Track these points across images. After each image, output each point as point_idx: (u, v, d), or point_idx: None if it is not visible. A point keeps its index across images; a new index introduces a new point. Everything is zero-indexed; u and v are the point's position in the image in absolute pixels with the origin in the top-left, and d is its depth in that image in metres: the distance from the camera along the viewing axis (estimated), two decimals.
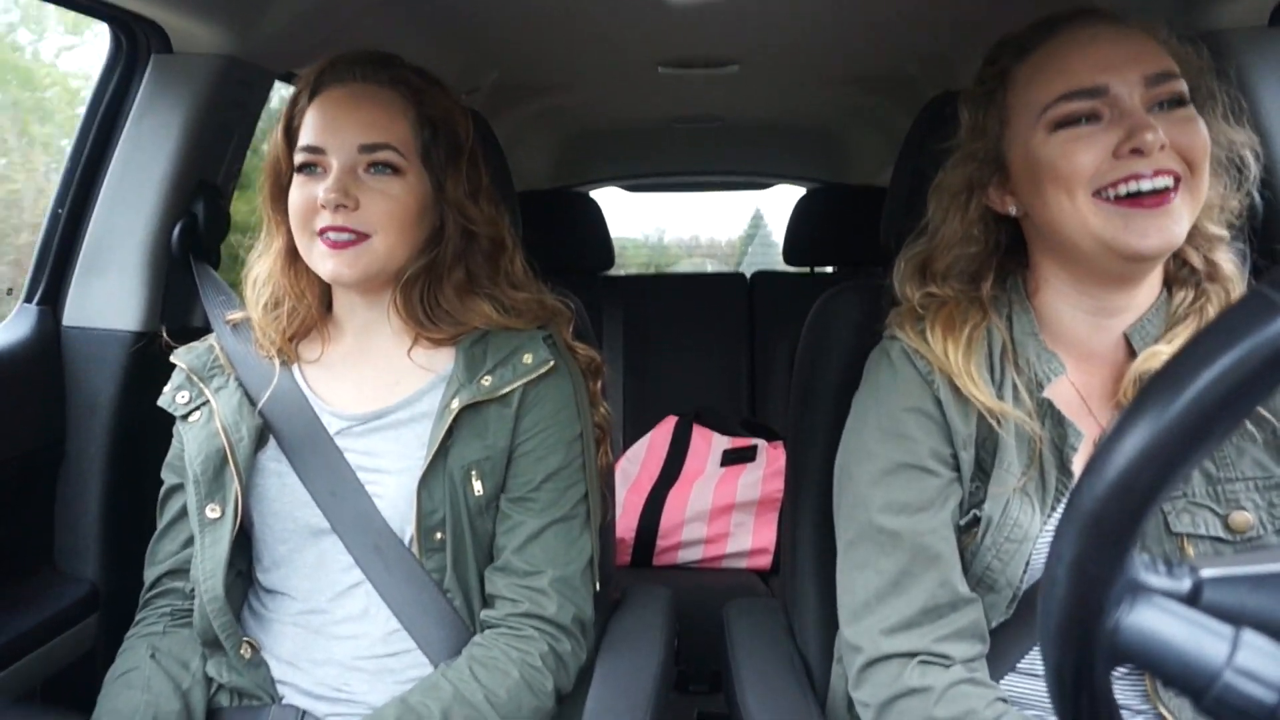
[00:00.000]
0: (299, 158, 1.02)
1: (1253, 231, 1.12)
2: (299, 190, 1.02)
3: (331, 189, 0.98)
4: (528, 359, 1.05)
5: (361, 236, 0.99)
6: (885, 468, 0.94)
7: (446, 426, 1.00)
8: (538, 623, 1.01)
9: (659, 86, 2.16)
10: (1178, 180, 0.84)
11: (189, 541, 1.08)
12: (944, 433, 0.94)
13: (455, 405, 1.01)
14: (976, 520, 0.92)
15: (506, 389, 1.03)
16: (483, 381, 1.03)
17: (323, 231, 0.99)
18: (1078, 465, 0.91)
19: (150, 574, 1.11)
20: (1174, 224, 0.84)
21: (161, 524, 1.11)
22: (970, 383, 0.92)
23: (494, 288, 1.09)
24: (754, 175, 3.49)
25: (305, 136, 1.02)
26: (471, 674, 0.97)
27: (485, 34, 1.78)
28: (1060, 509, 0.91)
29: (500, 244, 1.10)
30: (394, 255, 1.02)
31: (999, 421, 0.92)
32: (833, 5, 1.64)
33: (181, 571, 1.09)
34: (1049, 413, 0.92)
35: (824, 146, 3.03)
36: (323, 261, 1.01)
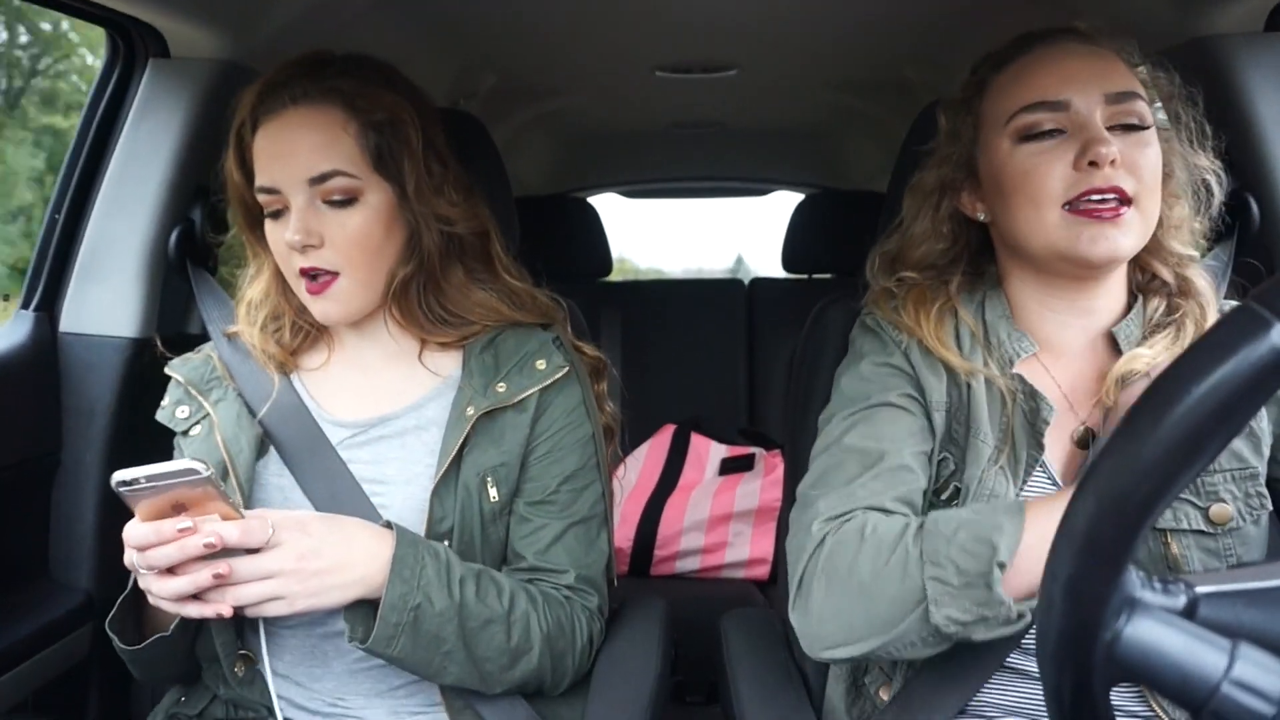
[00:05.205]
0: (261, 199, 1.00)
1: (1241, 237, 1.12)
2: (273, 234, 1.01)
3: (294, 231, 0.96)
4: (541, 365, 1.05)
5: (332, 276, 0.99)
6: (859, 408, 0.97)
7: (464, 434, 1.00)
8: (567, 593, 1.04)
9: (657, 91, 2.16)
10: (1128, 198, 0.88)
11: None
12: (915, 385, 0.97)
13: (471, 412, 1.01)
14: (956, 492, 0.94)
15: (522, 395, 1.03)
16: (497, 388, 1.02)
17: (301, 273, 0.99)
18: (1050, 439, 0.93)
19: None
20: (1122, 236, 0.88)
21: None
22: (939, 345, 0.96)
23: (494, 279, 1.09)
24: (752, 180, 3.49)
25: (259, 175, 1.00)
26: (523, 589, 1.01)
27: (482, 39, 1.78)
28: (1031, 482, 0.93)
29: (485, 234, 1.08)
30: (369, 286, 1.01)
31: (969, 385, 0.94)
32: (830, 11, 1.64)
33: None
34: (1021, 386, 0.94)
35: (822, 151, 3.03)
36: (311, 304, 1.01)
